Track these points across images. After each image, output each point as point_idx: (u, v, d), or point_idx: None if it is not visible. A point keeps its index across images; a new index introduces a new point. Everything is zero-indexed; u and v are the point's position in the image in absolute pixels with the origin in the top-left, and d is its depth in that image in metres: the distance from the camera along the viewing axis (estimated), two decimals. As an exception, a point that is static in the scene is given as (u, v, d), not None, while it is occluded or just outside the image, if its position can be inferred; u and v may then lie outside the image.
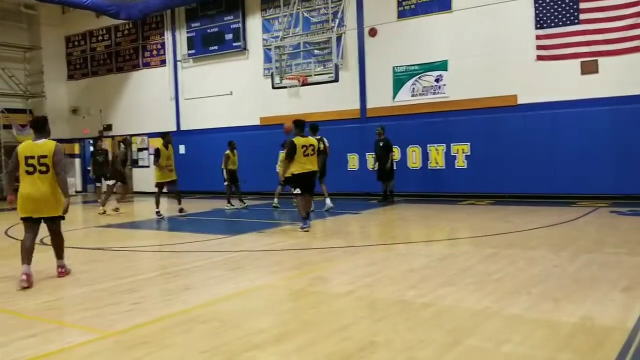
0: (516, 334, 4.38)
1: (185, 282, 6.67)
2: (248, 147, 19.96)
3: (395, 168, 15.75)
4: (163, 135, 14.39)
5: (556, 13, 14.72)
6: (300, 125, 10.88)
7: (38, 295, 6.27)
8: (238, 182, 15.67)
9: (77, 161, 26.52)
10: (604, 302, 5.22)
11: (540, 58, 15.00)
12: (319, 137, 13.05)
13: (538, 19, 14.97)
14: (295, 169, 10.58)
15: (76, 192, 25.59)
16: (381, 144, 15.41)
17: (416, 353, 4.06)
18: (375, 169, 15.67)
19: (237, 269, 7.35)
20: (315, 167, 10.82)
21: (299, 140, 10.59)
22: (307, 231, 10.36)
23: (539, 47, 14.99)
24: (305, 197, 10.74)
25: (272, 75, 16.42)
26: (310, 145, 10.66)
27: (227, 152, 15.45)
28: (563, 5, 14.64)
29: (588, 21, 14.36)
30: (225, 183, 15.60)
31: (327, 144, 13.90)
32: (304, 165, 10.54)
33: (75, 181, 25.88)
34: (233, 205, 15.46)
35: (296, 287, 6.24)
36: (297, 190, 10.77)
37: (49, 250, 9.42)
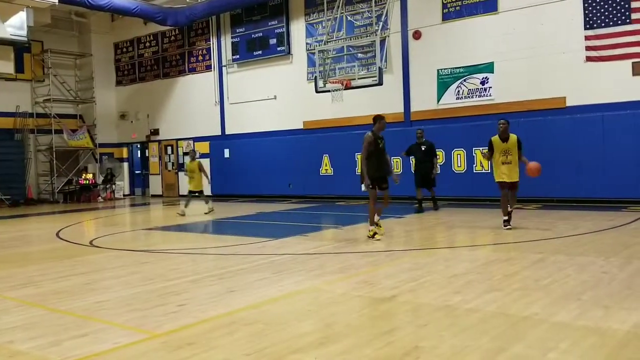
0: (564, 342, 4.28)
1: (230, 285, 6.75)
2: (291, 152, 20.15)
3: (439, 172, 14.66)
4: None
5: (606, 13, 14.37)
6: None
7: (89, 295, 6.45)
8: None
9: (125, 165, 27.14)
10: (657, 310, 5.06)
11: (589, 59, 14.67)
12: None
13: (587, 19, 14.64)
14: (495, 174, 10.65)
15: (124, 195, 26.17)
16: (423, 148, 14.29)
17: (461, 359, 4.02)
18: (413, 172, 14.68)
19: (281, 272, 7.40)
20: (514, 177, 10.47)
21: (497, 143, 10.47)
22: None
23: (588, 48, 14.66)
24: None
25: (315, 79, 16.48)
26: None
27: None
28: (614, 5, 14.28)
29: (640, 21, 13.98)
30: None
31: None
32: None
33: (123, 185, 26.49)
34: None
35: (340, 291, 6.24)
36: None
37: (104, 252, 9.70)
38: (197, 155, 17.33)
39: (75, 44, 26.28)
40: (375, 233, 9.83)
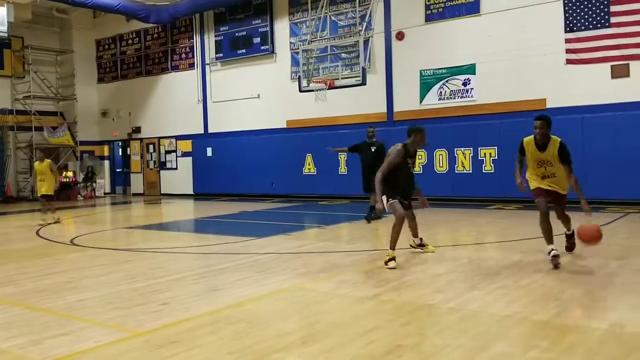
0: (544, 340, 4.34)
1: (213, 284, 6.75)
2: (274, 151, 20.14)
3: None
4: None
5: (586, 16, 14.54)
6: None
7: (70, 294, 6.40)
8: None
9: (107, 163, 26.93)
10: (635, 309, 5.14)
11: (569, 62, 14.83)
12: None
13: (568, 22, 14.80)
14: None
15: (105, 193, 25.96)
16: (373, 149, 12.24)
17: (443, 357, 4.06)
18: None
19: (264, 271, 7.40)
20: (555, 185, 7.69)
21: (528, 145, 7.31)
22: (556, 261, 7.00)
23: (569, 51, 14.82)
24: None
25: (299, 78, 16.49)
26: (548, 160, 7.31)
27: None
28: (593, 9, 14.45)
29: (619, 24, 14.16)
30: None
31: None
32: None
33: (104, 183, 26.28)
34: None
35: (323, 290, 6.27)
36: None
37: (85, 250, 9.62)
38: (46, 157, 14.66)
39: (57, 41, 25.99)
40: (391, 259, 7.32)
